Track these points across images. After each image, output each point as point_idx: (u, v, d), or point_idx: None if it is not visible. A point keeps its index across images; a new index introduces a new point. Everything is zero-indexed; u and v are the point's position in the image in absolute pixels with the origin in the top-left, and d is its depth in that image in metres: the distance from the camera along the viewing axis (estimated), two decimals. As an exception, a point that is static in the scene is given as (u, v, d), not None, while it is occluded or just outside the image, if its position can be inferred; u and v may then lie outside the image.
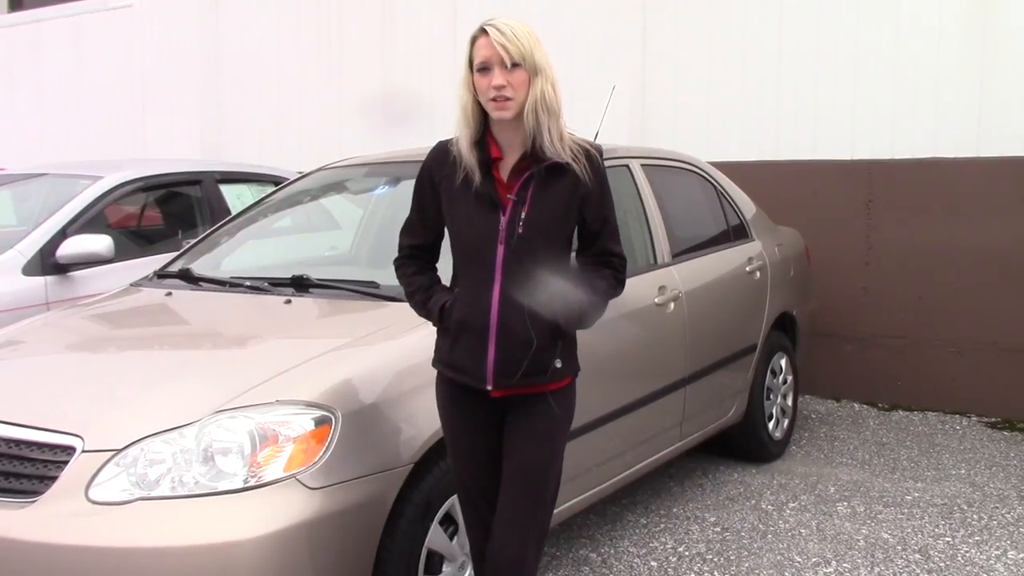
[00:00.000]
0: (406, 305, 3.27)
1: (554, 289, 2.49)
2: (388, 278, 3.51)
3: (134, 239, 5.74)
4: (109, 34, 10.48)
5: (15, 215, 6.14)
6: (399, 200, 4.34)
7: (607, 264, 2.62)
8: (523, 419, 2.56)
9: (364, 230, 4.40)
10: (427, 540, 2.92)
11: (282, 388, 2.76)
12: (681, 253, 4.53)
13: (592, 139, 5.01)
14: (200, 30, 9.57)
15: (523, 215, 2.48)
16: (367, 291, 3.45)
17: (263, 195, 5.94)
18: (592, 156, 2.55)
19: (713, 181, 5.19)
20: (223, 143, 9.62)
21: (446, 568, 3.01)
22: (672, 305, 4.24)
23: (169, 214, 6.13)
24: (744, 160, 6.70)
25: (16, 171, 6.63)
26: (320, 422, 2.70)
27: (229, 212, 5.96)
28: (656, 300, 4.15)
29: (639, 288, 4.07)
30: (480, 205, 2.50)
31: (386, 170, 4.42)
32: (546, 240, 2.50)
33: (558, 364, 2.55)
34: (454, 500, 2.98)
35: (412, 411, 2.90)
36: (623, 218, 4.41)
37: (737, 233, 5.18)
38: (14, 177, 6.33)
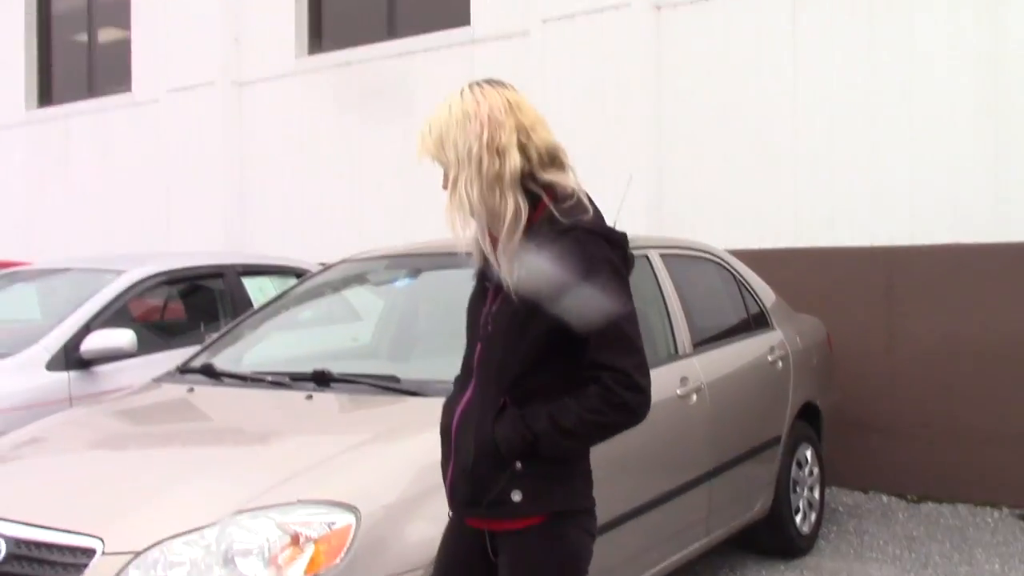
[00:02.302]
0: (426, 400, 3.28)
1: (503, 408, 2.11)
2: (409, 372, 3.53)
3: (157, 332, 5.77)
4: (136, 128, 10.71)
5: (40, 309, 6.20)
6: (420, 292, 4.38)
7: (595, 380, 2.04)
8: (502, 564, 2.17)
9: (385, 322, 4.41)
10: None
11: (303, 487, 2.74)
12: (702, 343, 4.51)
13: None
14: (224, 125, 9.77)
15: (493, 308, 2.17)
16: (388, 385, 3.44)
17: (285, 287, 6.01)
18: (567, 234, 2.08)
19: (732, 270, 5.19)
20: (247, 235, 9.74)
21: (468, 672, 2.93)
22: (694, 396, 4.21)
23: (192, 307, 6.18)
24: (762, 248, 6.71)
25: (42, 265, 6.71)
26: (342, 522, 2.67)
27: (251, 304, 5.99)
28: (678, 392, 4.12)
29: (660, 380, 4.02)
30: (476, 291, 2.27)
31: (407, 262, 4.45)
32: (506, 342, 2.11)
33: (515, 497, 2.08)
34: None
35: (436, 509, 2.85)
36: (642, 309, 4.42)
37: (758, 322, 5.16)
38: (40, 272, 6.41)
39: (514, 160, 2.07)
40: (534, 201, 2.12)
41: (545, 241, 2.06)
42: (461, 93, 2.13)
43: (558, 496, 2.12)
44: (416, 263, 4.36)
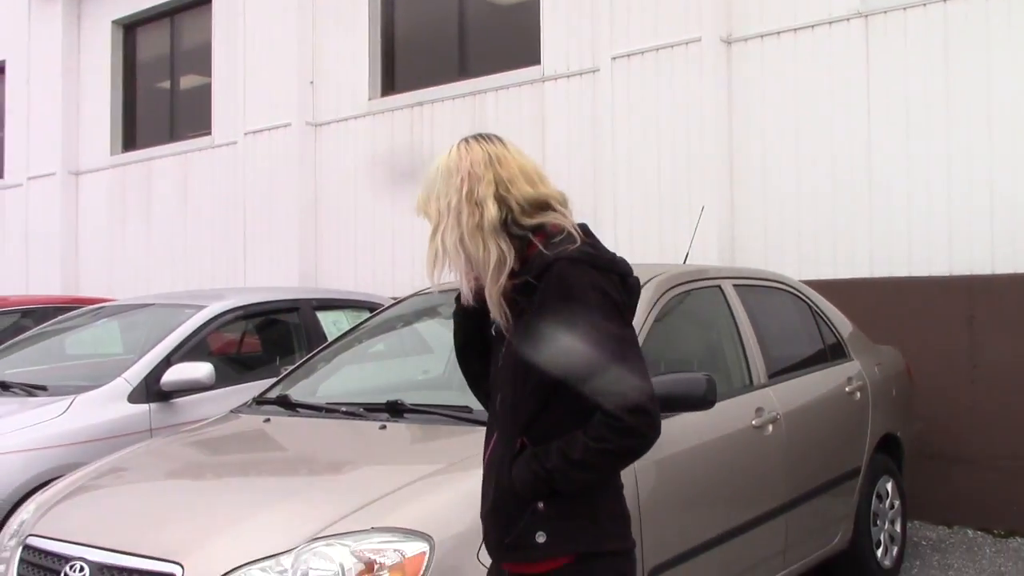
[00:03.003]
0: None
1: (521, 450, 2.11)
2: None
3: (234, 365, 5.89)
4: (214, 170, 11.02)
5: (122, 344, 6.38)
6: (491, 324, 4.39)
7: (599, 409, 2.02)
8: None
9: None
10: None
11: (378, 515, 2.76)
12: (777, 374, 4.45)
13: (683, 261, 5.06)
14: (300, 165, 9.99)
15: (502, 353, 2.18)
16: (460, 416, 3.46)
17: (358, 321, 6.09)
18: (551, 268, 2.07)
19: (807, 300, 5.12)
20: (320, 271, 9.91)
21: None
22: (770, 427, 4.15)
23: (268, 341, 6.30)
24: (836, 278, 6.61)
25: (124, 301, 6.91)
26: (415, 550, 2.68)
27: (326, 337, 6.09)
28: (753, 422, 4.07)
29: (735, 410, 4.00)
30: (497, 335, 2.25)
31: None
32: (515, 386, 2.12)
33: (539, 539, 2.07)
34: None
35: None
36: (715, 339, 4.38)
37: (834, 352, 5.08)
38: (123, 307, 6.60)
39: (491, 211, 2.10)
40: (525, 244, 2.14)
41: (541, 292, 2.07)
42: (449, 150, 2.21)
43: (584, 537, 2.09)
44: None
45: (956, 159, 6.25)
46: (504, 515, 2.12)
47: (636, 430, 2.02)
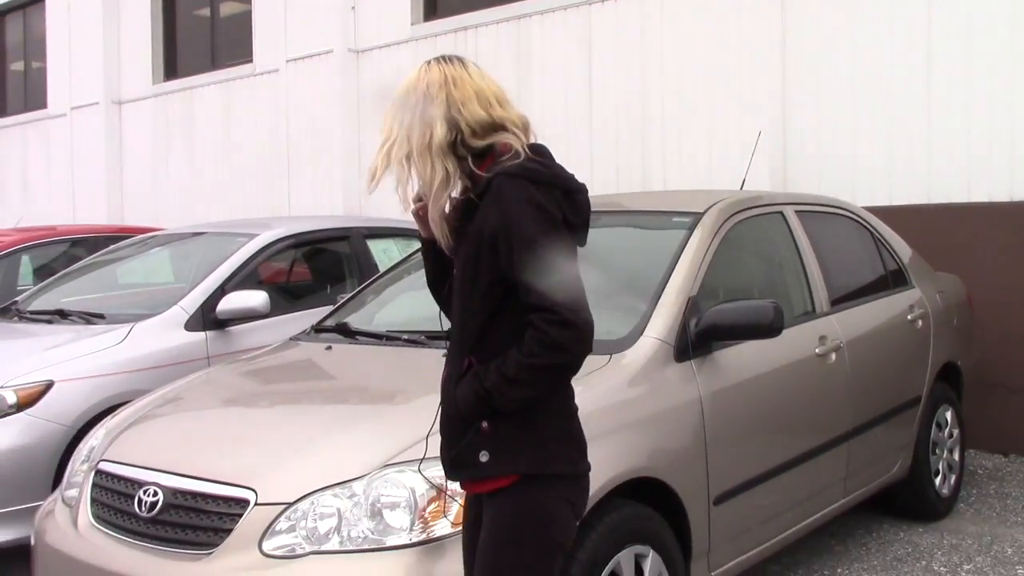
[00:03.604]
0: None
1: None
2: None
3: (286, 294, 5.90)
4: (256, 98, 10.94)
5: (173, 273, 6.41)
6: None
7: (530, 324, 2.03)
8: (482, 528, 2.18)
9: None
10: (593, 601, 2.84)
11: (449, 442, 2.74)
12: (840, 301, 4.37)
13: (739, 188, 4.95)
14: (343, 92, 9.89)
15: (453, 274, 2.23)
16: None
17: (409, 250, 6.05)
18: (491, 184, 2.09)
19: (869, 226, 5.01)
20: (364, 199, 9.87)
21: (612, 629, 2.92)
22: (833, 356, 4.09)
23: (319, 269, 6.30)
24: (893, 204, 6.46)
25: (176, 230, 6.92)
26: (487, 476, 2.67)
27: (376, 267, 6.08)
28: (817, 351, 4.01)
29: (799, 339, 3.94)
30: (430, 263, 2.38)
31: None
32: (462, 302, 2.18)
33: (483, 458, 2.10)
34: (619, 559, 2.91)
35: (577, 466, 2.84)
36: (776, 268, 4.31)
37: (896, 280, 4.98)
38: (173, 236, 6.61)
39: (439, 132, 2.11)
40: (477, 166, 2.14)
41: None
42: (413, 71, 2.22)
43: (526, 458, 2.09)
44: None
45: (1019, 80, 6.04)
46: (450, 433, 2.17)
47: (563, 345, 2.01)
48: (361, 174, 9.91)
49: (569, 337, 2.01)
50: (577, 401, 2.97)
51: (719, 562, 3.43)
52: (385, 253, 6.30)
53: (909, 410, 4.72)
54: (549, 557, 2.13)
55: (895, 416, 4.57)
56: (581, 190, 2.20)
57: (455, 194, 2.16)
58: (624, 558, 2.93)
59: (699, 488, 3.27)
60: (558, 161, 2.22)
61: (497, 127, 2.16)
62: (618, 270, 3.87)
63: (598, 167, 7.77)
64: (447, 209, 2.17)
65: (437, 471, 2.64)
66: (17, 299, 6.03)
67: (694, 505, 3.23)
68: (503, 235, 2.05)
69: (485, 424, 2.10)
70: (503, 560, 2.12)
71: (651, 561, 3.03)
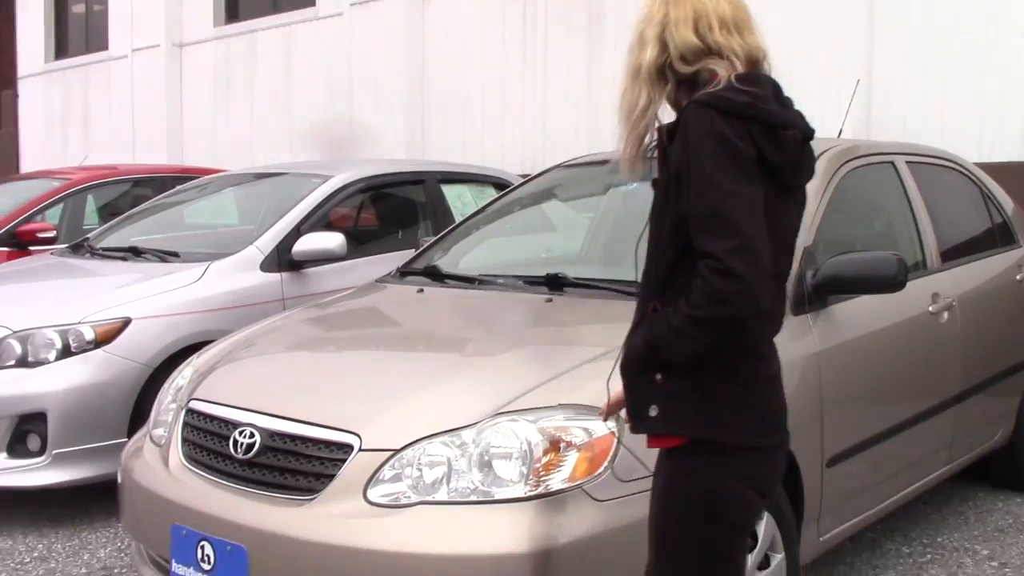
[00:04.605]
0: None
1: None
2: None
3: (360, 238, 5.76)
4: (318, 42, 10.79)
5: (241, 214, 6.30)
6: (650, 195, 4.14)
7: (698, 272, 1.82)
8: None
9: (617, 227, 4.19)
10: (708, 561, 2.68)
11: (562, 391, 2.60)
12: (949, 257, 4.14)
13: (836, 136, 4.71)
14: (408, 37, 9.70)
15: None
16: (630, 291, 3.25)
17: (484, 196, 5.89)
18: (681, 114, 1.92)
19: (977, 181, 4.75)
20: (427, 144, 9.71)
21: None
22: (946, 314, 3.87)
23: (393, 213, 6.15)
24: (983, 161, 6.15)
25: (244, 171, 6.80)
26: (605, 429, 2.51)
27: (451, 212, 5.93)
28: (930, 308, 3.80)
29: (912, 295, 3.72)
30: None
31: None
32: (650, 243, 2.02)
33: (652, 412, 1.94)
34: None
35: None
36: (889, 218, 4.09)
37: (1004, 237, 4.72)
38: (242, 177, 6.49)
39: (649, 54, 1.96)
40: (689, 92, 1.95)
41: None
42: None
43: (694, 421, 1.91)
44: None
45: None
46: (627, 382, 2.00)
47: (724, 297, 1.78)
48: (424, 118, 9.73)
49: (732, 290, 1.77)
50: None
51: (828, 527, 3.27)
52: (460, 199, 6.13)
53: (1014, 376, 4.49)
54: (719, 537, 1.94)
55: (1001, 381, 4.35)
56: (789, 125, 1.94)
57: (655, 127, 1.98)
58: (740, 519, 2.77)
59: (814, 449, 3.10)
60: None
61: (709, 53, 1.94)
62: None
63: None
64: (646, 141, 1.98)
65: (552, 422, 2.52)
66: (88, 236, 5.96)
67: (809, 467, 3.06)
68: (684, 169, 1.85)
69: (659, 376, 1.92)
70: (668, 534, 1.97)
71: (765, 524, 2.86)
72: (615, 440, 2.51)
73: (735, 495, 1.92)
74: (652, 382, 1.93)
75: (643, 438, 2.39)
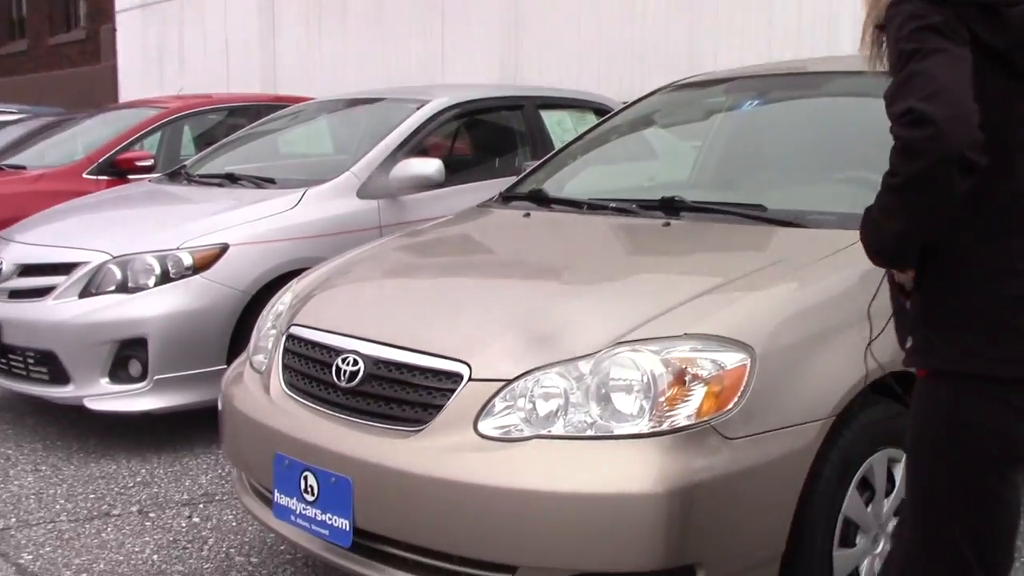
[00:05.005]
0: (804, 231, 2.85)
1: None
2: (775, 201, 3.10)
3: (457, 164, 5.59)
4: (411, -33, 10.56)
5: (335, 141, 6.19)
6: (771, 117, 3.88)
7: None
8: None
9: (732, 151, 3.93)
10: (844, 506, 2.48)
11: (689, 320, 2.39)
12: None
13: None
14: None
15: None
16: (752, 215, 3.02)
17: (585, 123, 5.65)
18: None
19: None
20: (521, 68, 9.46)
21: (859, 540, 2.56)
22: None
23: (490, 140, 5.96)
24: None
25: (337, 97, 6.65)
26: (735, 361, 2.31)
27: (550, 138, 5.72)
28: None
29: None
30: None
31: (753, 84, 3.94)
32: None
33: (908, 343, 1.86)
34: (872, 462, 2.54)
35: (832, 355, 2.45)
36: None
37: None
38: (335, 104, 6.36)
39: None
40: None
41: None
42: None
43: (936, 349, 1.77)
44: (763, 85, 3.85)
45: None
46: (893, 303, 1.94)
47: (915, 147, 1.59)
48: (519, 40, 9.46)
49: (924, 136, 1.57)
50: (828, 281, 2.61)
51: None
52: (559, 125, 5.91)
53: None
54: (975, 471, 1.77)
55: None
56: (1012, 2, 1.70)
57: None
58: (877, 461, 2.56)
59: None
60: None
61: None
62: (847, 137, 3.40)
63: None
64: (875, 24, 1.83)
65: (677, 352, 2.32)
66: (185, 164, 5.92)
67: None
68: (892, 64, 1.71)
69: (908, 303, 1.83)
70: (921, 471, 1.85)
71: (903, 466, 2.64)
72: (747, 373, 2.30)
73: (994, 425, 1.75)
74: (903, 311, 1.86)
75: (775, 372, 2.23)
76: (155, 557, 3.32)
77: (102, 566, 3.26)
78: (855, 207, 2.89)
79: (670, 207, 3.19)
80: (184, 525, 3.57)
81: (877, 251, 1.79)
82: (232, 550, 3.36)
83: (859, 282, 2.60)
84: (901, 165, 1.62)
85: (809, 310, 2.49)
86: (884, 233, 1.73)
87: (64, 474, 4.07)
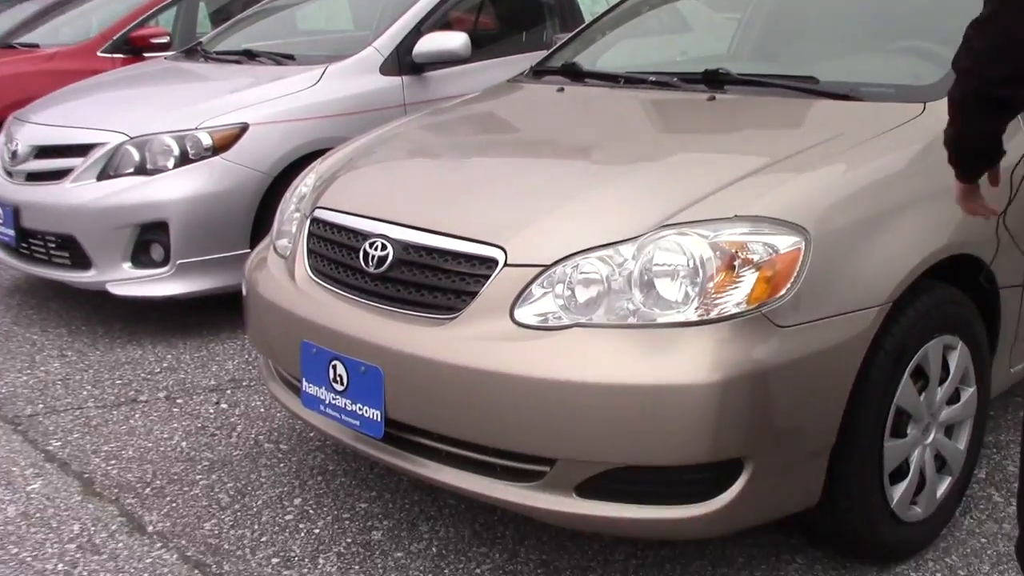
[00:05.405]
0: (859, 104, 2.68)
1: None
2: (827, 73, 2.90)
3: (484, 39, 5.35)
4: None
5: (352, 16, 5.95)
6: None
7: None
8: None
9: (777, 23, 3.70)
10: (896, 395, 2.37)
11: (739, 201, 2.24)
12: None
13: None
14: None
15: None
16: (804, 87, 2.83)
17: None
18: None
19: None
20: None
21: (910, 430, 2.46)
22: None
23: (517, 13, 5.70)
24: None
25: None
26: (788, 244, 2.17)
27: (580, 12, 5.47)
28: None
29: None
30: None
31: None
32: None
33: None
34: (927, 349, 2.41)
35: (890, 238, 2.31)
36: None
37: None
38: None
39: None
40: None
41: None
42: None
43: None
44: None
45: None
46: None
47: (953, 64, 1.83)
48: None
49: (964, 51, 1.76)
50: (886, 159, 2.44)
51: (1020, 358, 2.90)
52: (591, -2, 5.64)
53: None
54: None
55: None
56: None
57: None
58: (932, 349, 2.43)
59: (1015, 268, 2.70)
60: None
61: None
62: (905, 2, 3.18)
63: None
64: None
65: (727, 236, 2.18)
66: (201, 40, 5.71)
67: (1009, 288, 2.68)
68: None
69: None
70: None
71: (959, 354, 2.53)
72: (800, 257, 2.16)
73: None
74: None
75: (829, 256, 2.20)
76: (184, 444, 3.28)
77: (131, 452, 3.22)
78: (915, 79, 2.72)
79: (714, 80, 3.01)
80: (212, 411, 3.52)
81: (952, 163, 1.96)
82: (261, 436, 3.32)
83: (919, 160, 2.45)
84: (956, 76, 1.81)
85: (865, 190, 2.33)
86: (949, 142, 1.92)
87: (90, 360, 4.02)
